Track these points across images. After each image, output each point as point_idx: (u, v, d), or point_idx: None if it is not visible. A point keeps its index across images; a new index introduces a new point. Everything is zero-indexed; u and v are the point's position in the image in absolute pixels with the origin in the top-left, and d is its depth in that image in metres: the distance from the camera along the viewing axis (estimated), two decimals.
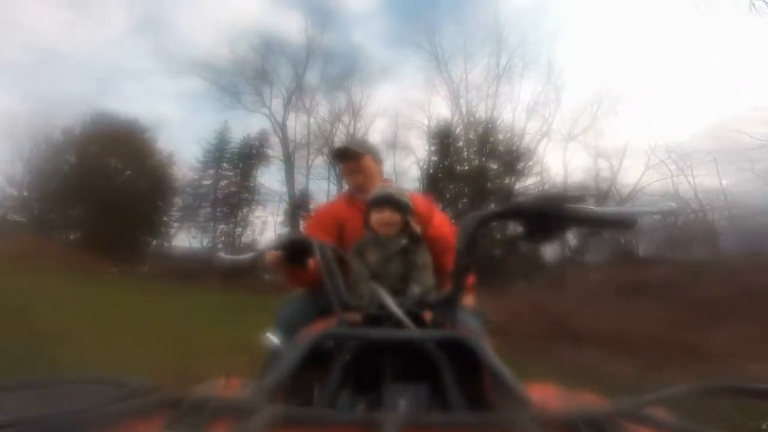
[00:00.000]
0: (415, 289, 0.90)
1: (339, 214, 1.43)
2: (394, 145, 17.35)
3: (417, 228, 1.08)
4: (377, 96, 24.84)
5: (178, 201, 19.50)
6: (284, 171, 18.74)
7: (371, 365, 0.59)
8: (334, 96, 19.07)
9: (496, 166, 14.38)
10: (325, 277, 0.78)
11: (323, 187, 19.02)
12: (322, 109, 19.18)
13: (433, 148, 15.56)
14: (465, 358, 0.54)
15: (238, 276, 13.54)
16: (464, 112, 16.26)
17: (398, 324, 0.64)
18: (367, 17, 28.49)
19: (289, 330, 1.13)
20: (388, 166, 17.29)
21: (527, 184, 14.13)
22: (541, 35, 23.67)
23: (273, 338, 1.23)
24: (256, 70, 18.92)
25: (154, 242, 18.98)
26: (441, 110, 17.80)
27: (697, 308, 5.58)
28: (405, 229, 1.06)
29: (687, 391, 0.38)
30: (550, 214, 0.55)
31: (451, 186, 14.40)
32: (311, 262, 0.94)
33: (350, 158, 1.47)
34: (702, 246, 10.91)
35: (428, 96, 17.91)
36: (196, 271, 14.68)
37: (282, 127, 18.80)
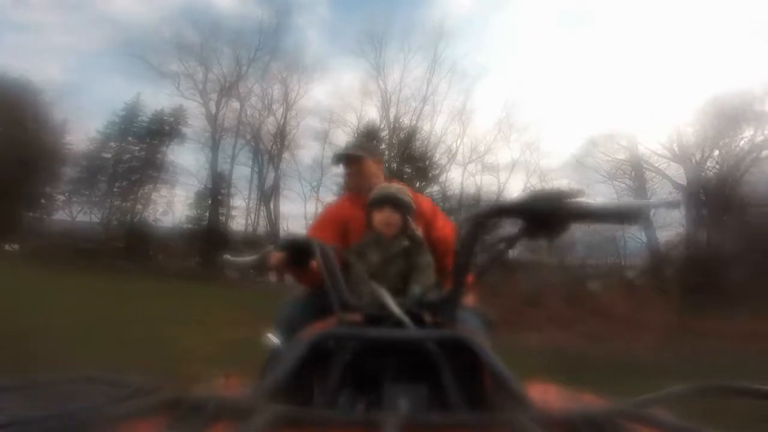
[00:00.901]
0: (416, 289, 0.90)
1: (343, 214, 1.44)
2: (323, 139, 18.01)
3: (417, 228, 1.08)
4: (313, 91, 23.26)
5: (69, 172, 16.93)
6: (210, 157, 17.87)
7: (371, 365, 0.59)
8: (269, 86, 18.45)
9: (410, 170, 15.96)
10: (325, 277, 0.78)
11: (245, 174, 18.56)
12: (254, 98, 18.48)
13: None
14: (465, 358, 0.54)
15: (124, 257, 12.48)
16: (392, 119, 17.32)
17: (398, 324, 0.64)
18: (313, 3, 27.79)
19: (289, 330, 1.13)
20: (310, 159, 18.06)
21: (433, 191, 16.08)
22: (469, 66, 26.06)
23: (273, 338, 1.23)
24: (192, 50, 17.83)
25: (31, 215, 16.32)
26: (371, 113, 18.33)
27: (525, 299, 8.66)
28: (405, 229, 1.06)
29: (687, 391, 0.38)
30: (553, 211, 0.54)
31: None
32: (314, 263, 0.94)
33: (350, 163, 1.49)
34: (554, 253, 13.53)
35: (361, 99, 18.35)
36: (81, 250, 13.13)
37: (215, 114, 17.97)
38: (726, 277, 9.68)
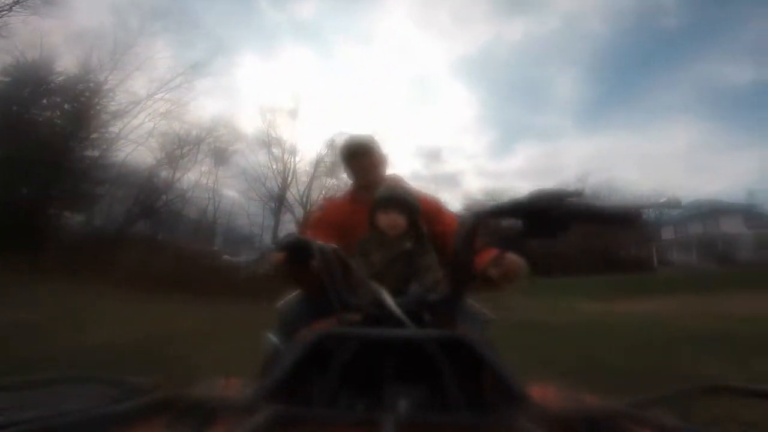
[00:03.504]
0: (416, 288, 0.90)
1: (343, 212, 1.42)
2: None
3: (423, 229, 1.08)
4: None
5: None
6: None
7: (371, 365, 0.59)
8: None
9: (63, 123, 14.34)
10: (324, 277, 0.78)
11: None
12: None
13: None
14: (465, 358, 0.54)
15: None
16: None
17: (398, 324, 0.63)
18: None
19: (289, 330, 1.13)
20: None
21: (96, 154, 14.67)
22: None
23: (273, 338, 1.23)
24: None
25: None
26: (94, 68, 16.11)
27: None
28: (411, 230, 1.05)
29: (687, 392, 0.38)
30: (553, 210, 0.54)
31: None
32: (314, 263, 0.93)
33: (360, 155, 1.46)
34: None
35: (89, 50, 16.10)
36: None
37: None
38: None
